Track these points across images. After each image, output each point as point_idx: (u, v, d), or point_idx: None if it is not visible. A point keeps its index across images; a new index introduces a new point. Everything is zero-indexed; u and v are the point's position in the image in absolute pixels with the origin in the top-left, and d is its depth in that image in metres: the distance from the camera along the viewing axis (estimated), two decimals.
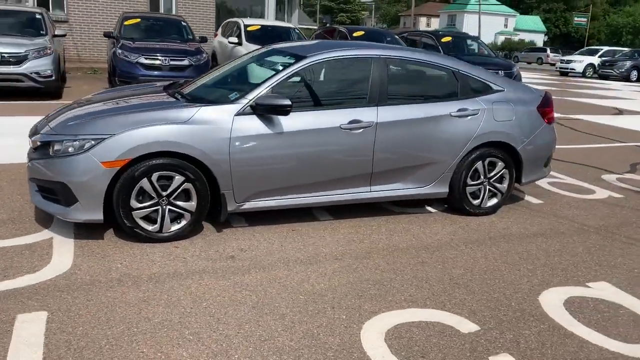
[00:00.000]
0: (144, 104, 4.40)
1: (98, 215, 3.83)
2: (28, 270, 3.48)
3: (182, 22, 12.07)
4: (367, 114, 4.44)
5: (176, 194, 3.97)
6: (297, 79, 4.45)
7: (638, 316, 3.37)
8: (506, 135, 4.91)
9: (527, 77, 22.54)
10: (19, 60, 9.63)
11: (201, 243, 4.07)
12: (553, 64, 40.55)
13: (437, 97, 4.81)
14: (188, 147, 3.89)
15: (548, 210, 5.34)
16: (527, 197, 5.71)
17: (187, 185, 3.97)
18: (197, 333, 2.90)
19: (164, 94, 4.70)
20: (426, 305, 3.34)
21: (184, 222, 4.06)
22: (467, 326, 3.12)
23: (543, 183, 6.26)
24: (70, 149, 3.80)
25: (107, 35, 11.49)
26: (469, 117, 4.78)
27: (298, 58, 4.46)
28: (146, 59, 10.30)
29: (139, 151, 3.78)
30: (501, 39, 69.72)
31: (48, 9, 14.93)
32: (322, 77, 4.65)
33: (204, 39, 12.01)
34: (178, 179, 3.94)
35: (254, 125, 4.09)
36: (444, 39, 14.30)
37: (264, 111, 4.07)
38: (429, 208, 5.16)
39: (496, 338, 3.02)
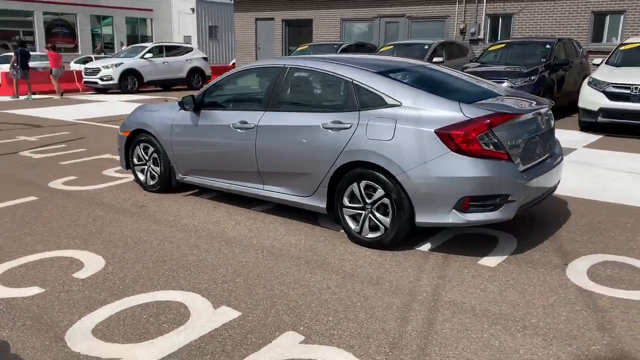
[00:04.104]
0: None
1: (124, 164, 6.19)
2: (97, 183, 6.30)
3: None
4: (254, 117, 4.87)
5: (151, 160, 5.85)
6: (229, 84, 5.36)
7: None
8: (378, 157, 4.06)
9: None
10: None
11: (156, 196, 5.79)
12: None
13: (321, 107, 4.52)
14: (151, 127, 5.71)
15: (479, 277, 3.84)
16: (503, 263, 4.09)
17: (156, 155, 5.78)
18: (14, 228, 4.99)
19: None
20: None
21: (156, 180, 5.87)
22: None
23: (583, 262, 4.07)
24: None
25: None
26: (340, 131, 4.29)
27: (235, 68, 5.34)
28: None
29: (130, 128, 5.93)
30: None
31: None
32: (246, 84, 5.28)
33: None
34: (151, 149, 5.81)
35: (183, 118, 5.44)
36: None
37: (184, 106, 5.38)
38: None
39: None
